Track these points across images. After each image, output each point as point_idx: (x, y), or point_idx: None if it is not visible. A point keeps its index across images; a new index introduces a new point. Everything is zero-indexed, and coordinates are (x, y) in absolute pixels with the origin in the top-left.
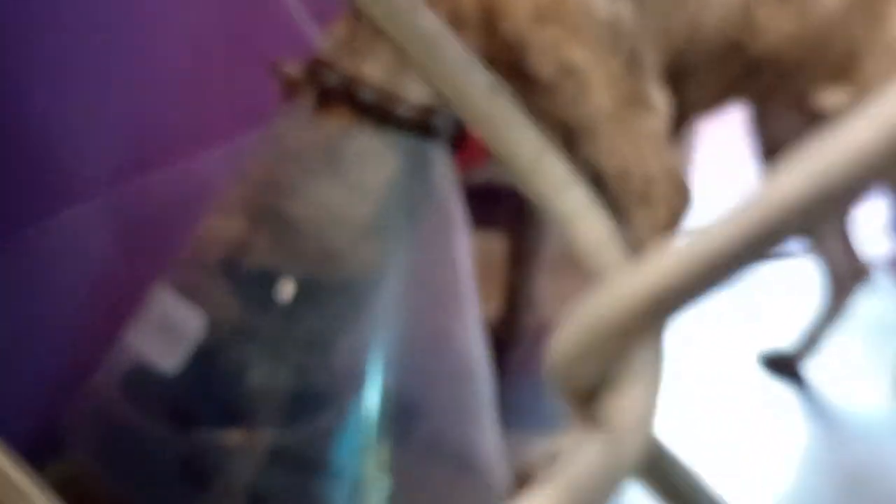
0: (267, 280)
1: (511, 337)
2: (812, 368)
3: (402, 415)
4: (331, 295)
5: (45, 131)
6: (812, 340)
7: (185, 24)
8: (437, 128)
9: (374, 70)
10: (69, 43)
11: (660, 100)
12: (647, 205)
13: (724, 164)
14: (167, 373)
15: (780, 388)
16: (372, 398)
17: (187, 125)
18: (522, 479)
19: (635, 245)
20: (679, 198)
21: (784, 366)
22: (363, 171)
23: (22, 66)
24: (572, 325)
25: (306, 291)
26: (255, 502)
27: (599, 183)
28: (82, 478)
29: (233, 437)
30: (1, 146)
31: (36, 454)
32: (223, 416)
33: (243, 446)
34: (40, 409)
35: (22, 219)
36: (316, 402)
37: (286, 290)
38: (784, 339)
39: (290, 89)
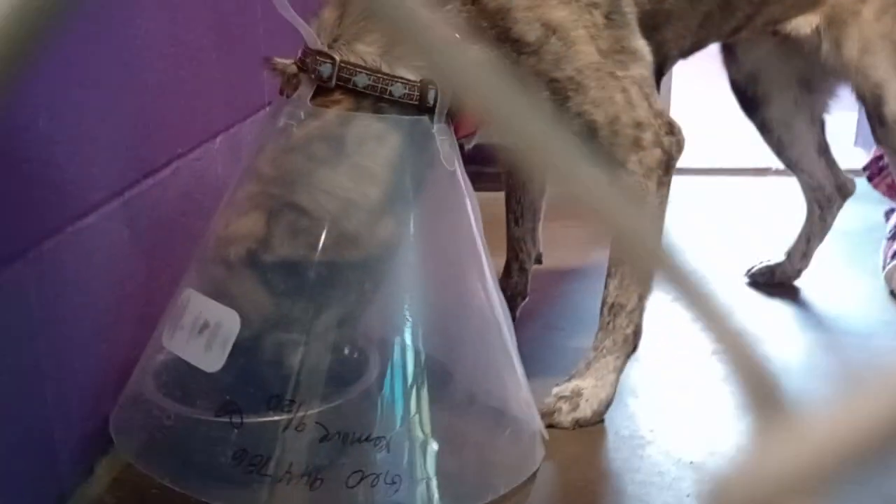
0: (289, 269)
1: (519, 288)
2: (802, 278)
3: (436, 376)
4: (353, 274)
5: (50, 147)
6: (803, 256)
7: (175, 23)
8: (433, 102)
9: (368, 49)
10: (66, 59)
11: (643, 46)
12: (640, 149)
13: (701, 99)
14: (210, 373)
15: (772, 303)
16: (407, 364)
17: (186, 123)
18: (542, 421)
19: (633, 188)
20: (671, 139)
21: (774, 280)
22: (366, 154)
23: (27, 88)
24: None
25: (329, 274)
26: (314, 479)
27: (593, 134)
28: (132, 474)
29: (281, 421)
30: (13, 166)
31: (86, 453)
32: (268, 402)
33: (293, 428)
34: (84, 409)
35: (39, 233)
36: (354, 375)
37: (309, 276)
38: (770, 255)
39: (287, 82)
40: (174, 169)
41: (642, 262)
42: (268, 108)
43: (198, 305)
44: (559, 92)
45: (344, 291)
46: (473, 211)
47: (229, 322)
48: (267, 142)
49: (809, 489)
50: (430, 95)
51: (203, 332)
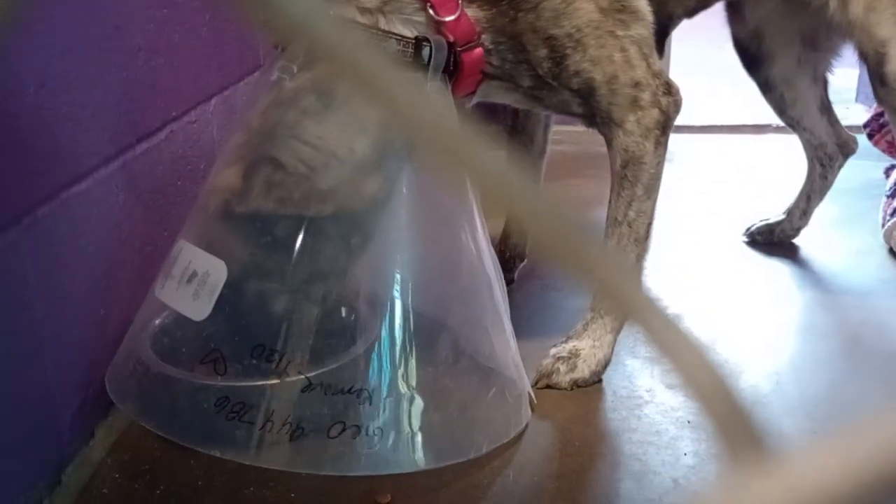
0: (266, 221)
1: (517, 250)
2: (800, 236)
3: (424, 333)
4: (338, 227)
5: (42, 113)
6: (803, 214)
7: None
8: (427, 59)
9: (366, 1)
10: (56, 24)
11: (644, 6)
12: (638, 109)
13: (701, 56)
14: (197, 322)
15: (771, 261)
16: (395, 320)
17: (179, 85)
18: (537, 383)
19: (629, 148)
20: (669, 99)
21: (773, 239)
22: (355, 108)
23: (17, 56)
24: None
25: (309, 226)
26: (295, 429)
27: (591, 93)
28: (133, 438)
29: (263, 369)
30: (4, 134)
31: (86, 418)
32: (252, 352)
33: (275, 377)
34: (83, 374)
35: (33, 199)
36: (343, 331)
37: (287, 227)
38: (769, 213)
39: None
40: (168, 132)
41: (618, 302)
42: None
43: (188, 255)
44: (557, 49)
45: (328, 244)
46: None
47: (217, 271)
48: (261, 95)
49: None
50: (425, 53)
51: (191, 282)
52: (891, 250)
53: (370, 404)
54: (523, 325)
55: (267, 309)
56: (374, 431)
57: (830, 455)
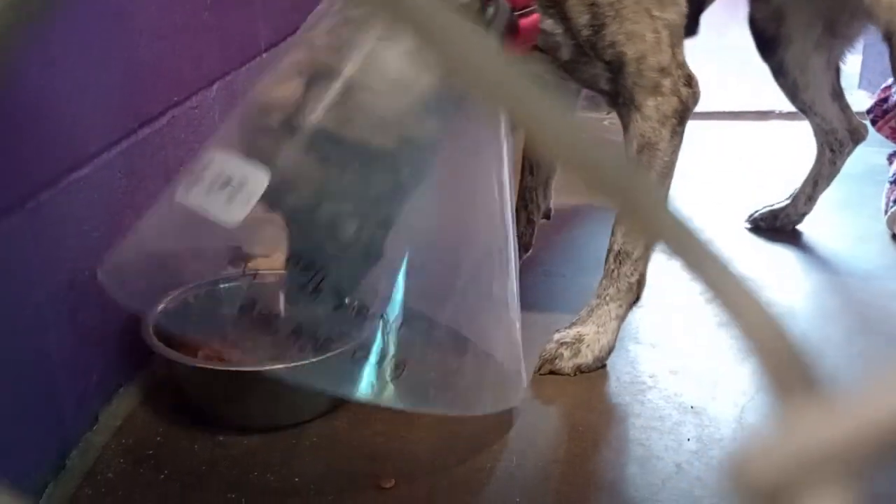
0: (323, 138)
1: (524, 239)
2: (803, 222)
3: (428, 301)
4: (395, 156)
5: (44, 97)
6: (809, 199)
7: None
8: (490, 19)
9: None
10: (58, 10)
11: None
12: (658, 94)
13: (704, 43)
14: (230, 225)
15: (774, 247)
16: (401, 286)
17: (181, 70)
18: (541, 368)
19: (645, 133)
20: (688, 91)
21: (777, 224)
22: None
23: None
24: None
25: (368, 152)
26: (320, 345)
27: (621, 68)
28: (136, 422)
29: (296, 279)
30: (6, 118)
31: (90, 402)
32: (287, 261)
33: (308, 291)
34: (87, 359)
35: (35, 184)
36: (377, 260)
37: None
38: (771, 199)
39: None
40: (170, 117)
41: (647, 232)
42: (264, 55)
43: (221, 164)
44: (598, 17)
45: (383, 173)
46: (506, 138)
47: (256, 178)
48: (322, 18)
49: (841, 471)
50: (489, 13)
51: (224, 188)
52: (893, 236)
53: (396, 335)
54: (527, 312)
55: (312, 222)
56: (397, 363)
57: (886, 391)
